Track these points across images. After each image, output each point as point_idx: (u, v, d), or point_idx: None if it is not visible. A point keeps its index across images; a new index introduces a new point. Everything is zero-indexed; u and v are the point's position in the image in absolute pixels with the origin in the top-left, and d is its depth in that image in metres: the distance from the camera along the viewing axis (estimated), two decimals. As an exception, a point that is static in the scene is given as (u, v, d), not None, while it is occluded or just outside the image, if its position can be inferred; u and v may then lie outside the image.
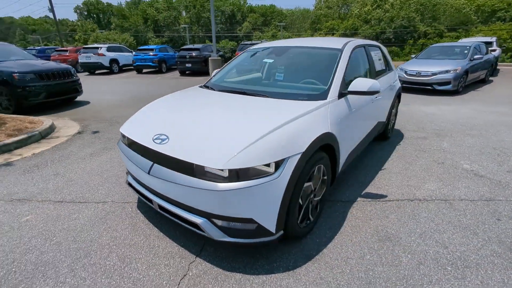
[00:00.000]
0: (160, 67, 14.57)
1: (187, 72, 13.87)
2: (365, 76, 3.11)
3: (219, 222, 1.68)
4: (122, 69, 15.36)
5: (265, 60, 3.02)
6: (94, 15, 57.08)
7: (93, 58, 13.72)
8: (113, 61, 14.29)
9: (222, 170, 1.57)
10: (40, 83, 5.88)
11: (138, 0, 57.65)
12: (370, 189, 2.87)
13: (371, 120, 3.13)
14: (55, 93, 6.24)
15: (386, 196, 2.72)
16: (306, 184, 1.88)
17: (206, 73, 13.25)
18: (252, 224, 1.65)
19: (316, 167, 1.97)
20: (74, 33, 51.63)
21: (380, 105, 3.32)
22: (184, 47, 14.03)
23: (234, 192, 1.55)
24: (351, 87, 2.33)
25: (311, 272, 1.80)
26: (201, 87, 2.93)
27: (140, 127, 2.14)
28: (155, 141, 1.85)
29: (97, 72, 14.59)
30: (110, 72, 14.45)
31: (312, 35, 38.91)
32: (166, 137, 1.84)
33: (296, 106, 2.08)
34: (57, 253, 1.95)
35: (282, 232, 1.78)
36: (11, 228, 2.24)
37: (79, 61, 14.15)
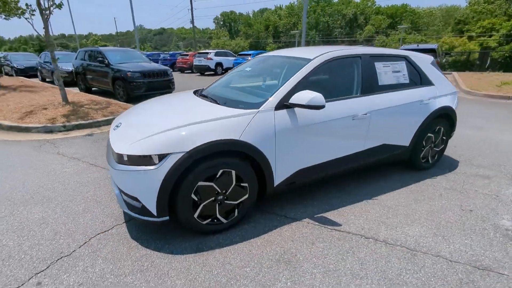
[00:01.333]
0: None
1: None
2: (355, 91, 2.77)
3: (124, 196, 2.10)
4: (227, 71, 17.81)
5: (246, 68, 3.16)
6: (227, 24, 66.74)
7: (203, 62, 16.61)
8: (218, 64, 16.79)
9: (121, 155, 1.98)
10: (143, 80, 7.81)
11: (265, 8, 63.63)
12: (331, 214, 2.58)
13: (357, 139, 2.75)
14: (153, 88, 8.10)
15: (340, 225, 2.41)
16: (201, 183, 2.03)
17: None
18: (138, 203, 1.99)
19: (221, 170, 2.08)
20: (211, 40, 62.15)
21: (382, 124, 2.85)
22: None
23: (124, 173, 1.96)
24: (291, 99, 2.24)
25: (188, 261, 1.96)
26: (193, 92, 3.28)
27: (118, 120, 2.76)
28: (113, 128, 2.45)
29: (206, 73, 17.44)
30: (215, 73, 16.95)
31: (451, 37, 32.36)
32: (117, 127, 2.41)
33: (220, 112, 2.24)
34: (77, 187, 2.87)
35: (167, 217, 2.03)
36: (53, 170, 3.38)
37: (194, 63, 17.38)
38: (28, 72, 14.89)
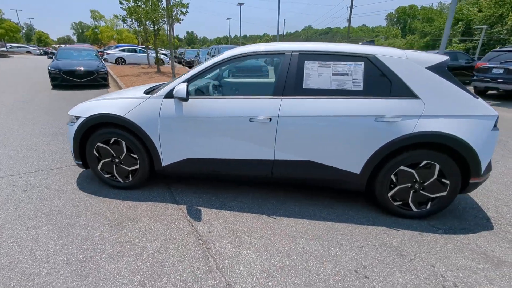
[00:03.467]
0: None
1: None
2: (267, 91, 2.45)
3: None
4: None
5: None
6: (402, 21, 58.92)
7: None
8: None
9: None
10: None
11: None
12: (211, 212, 2.54)
13: (260, 145, 2.45)
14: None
15: (198, 221, 2.38)
16: (100, 144, 2.71)
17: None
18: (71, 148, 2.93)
19: (114, 138, 2.66)
20: (376, 37, 57.24)
21: (303, 135, 2.36)
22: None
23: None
24: (174, 90, 2.42)
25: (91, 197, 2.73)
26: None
27: None
28: None
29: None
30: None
31: None
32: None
33: (130, 94, 2.82)
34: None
35: (80, 162, 2.84)
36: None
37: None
38: (193, 63, 20.24)
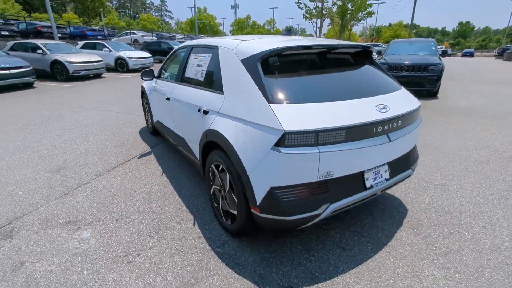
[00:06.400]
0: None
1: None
2: (176, 77, 3.09)
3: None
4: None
5: None
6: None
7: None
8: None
9: None
10: None
11: None
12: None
13: (171, 121, 3.22)
14: None
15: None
16: None
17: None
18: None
19: None
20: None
21: (178, 115, 2.97)
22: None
23: None
24: None
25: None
26: None
27: None
28: None
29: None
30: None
31: None
32: None
33: None
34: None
35: None
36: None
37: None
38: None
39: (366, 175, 1.90)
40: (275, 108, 1.65)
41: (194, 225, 2.33)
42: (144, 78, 3.69)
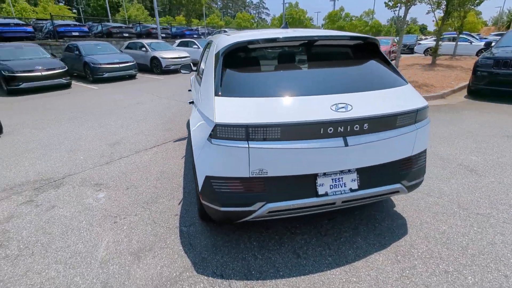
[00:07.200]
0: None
1: None
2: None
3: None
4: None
5: None
6: None
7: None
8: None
9: None
10: None
11: None
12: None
13: None
14: None
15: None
16: None
17: None
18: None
19: None
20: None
21: None
22: None
23: None
24: None
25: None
26: None
27: None
28: None
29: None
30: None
31: None
32: None
33: None
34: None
35: None
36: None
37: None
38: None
39: (319, 181, 1.73)
40: (217, 100, 1.72)
41: (179, 204, 2.60)
42: (182, 71, 3.95)
